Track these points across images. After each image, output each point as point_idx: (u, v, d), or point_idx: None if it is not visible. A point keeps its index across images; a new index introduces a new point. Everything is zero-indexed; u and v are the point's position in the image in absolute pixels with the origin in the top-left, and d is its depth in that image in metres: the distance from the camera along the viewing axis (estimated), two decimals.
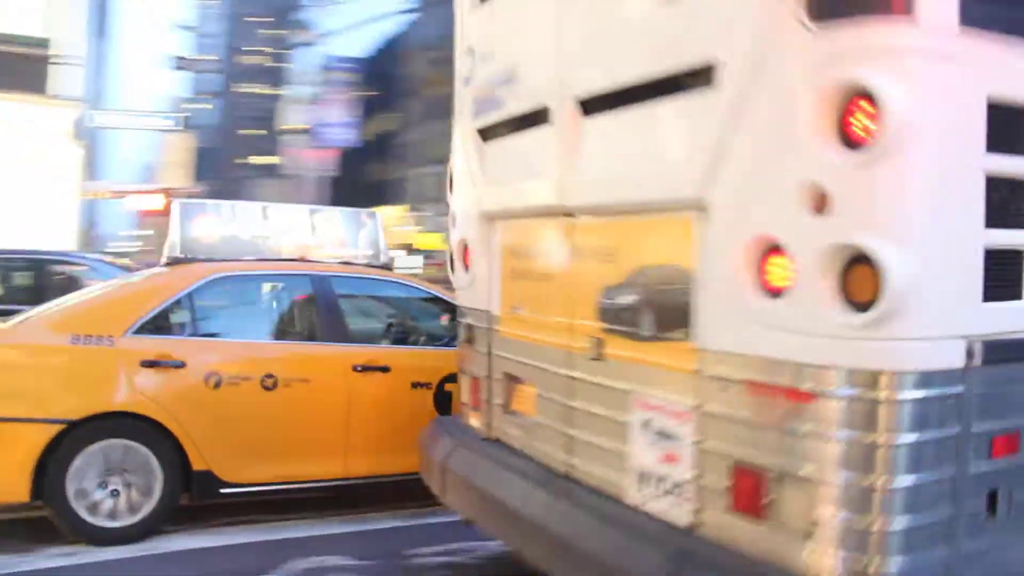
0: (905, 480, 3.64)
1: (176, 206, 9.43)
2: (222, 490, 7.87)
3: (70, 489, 7.41)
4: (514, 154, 5.90)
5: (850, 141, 3.59)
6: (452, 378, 8.38)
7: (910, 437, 3.63)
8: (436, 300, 9.20)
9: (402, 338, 9.07)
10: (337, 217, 10.16)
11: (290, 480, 8.09)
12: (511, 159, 5.95)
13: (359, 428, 8.30)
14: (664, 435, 4.58)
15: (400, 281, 9.37)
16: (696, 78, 4.23)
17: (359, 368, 8.36)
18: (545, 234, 5.54)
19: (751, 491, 4.06)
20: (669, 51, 4.41)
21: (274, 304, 9.13)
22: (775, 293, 3.90)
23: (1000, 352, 3.75)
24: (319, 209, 10.21)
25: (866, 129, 3.55)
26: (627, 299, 4.79)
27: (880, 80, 3.51)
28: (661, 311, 4.55)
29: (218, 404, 7.86)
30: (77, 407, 7.44)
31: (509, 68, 5.84)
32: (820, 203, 3.68)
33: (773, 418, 3.93)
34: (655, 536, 4.43)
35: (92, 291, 8.70)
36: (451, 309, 8.70)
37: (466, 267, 6.59)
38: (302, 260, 9.38)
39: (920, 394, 3.62)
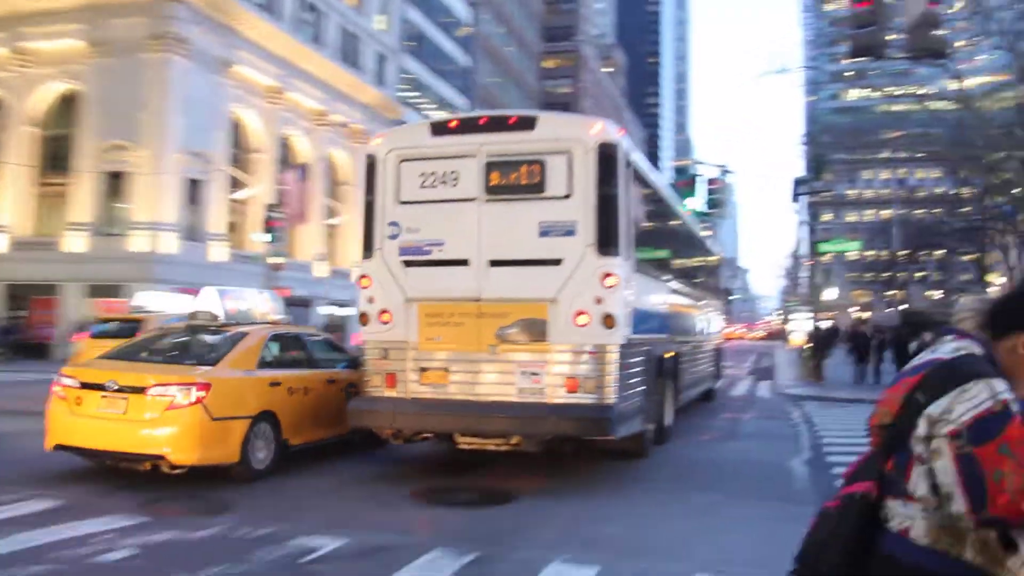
0: (616, 372, 13.43)
1: (211, 291, 17.99)
2: (290, 449, 14.58)
3: (250, 449, 13.65)
4: (438, 275, 13.81)
5: (605, 285, 13.51)
6: (351, 384, 15.68)
7: (617, 360, 13.52)
8: (329, 342, 16.84)
9: (330, 364, 16.09)
10: (266, 294, 18.69)
11: (313, 440, 15.07)
12: (434, 277, 13.83)
13: (330, 411, 15.27)
14: (532, 373, 13.68)
15: (318, 333, 16.96)
16: (554, 262, 13.69)
17: (329, 381, 15.66)
18: (461, 308, 13.92)
19: (574, 384, 13.51)
20: (543, 251, 13.63)
21: (285, 348, 15.50)
22: (582, 326, 13.65)
23: (629, 341, 14.00)
24: (255, 290, 18.88)
25: (611, 281, 13.54)
26: (513, 330, 13.81)
27: (615, 271, 13.57)
28: (532, 334, 13.80)
29: (289, 403, 14.50)
30: (254, 408, 13.70)
31: (437, 239, 13.85)
32: (599, 301, 13.49)
33: (584, 358, 13.46)
34: (537, 405, 13.53)
35: (222, 339, 14.69)
36: (339, 348, 16.94)
37: (384, 323, 14.18)
38: (274, 324, 16.51)
39: (619, 349, 13.61)
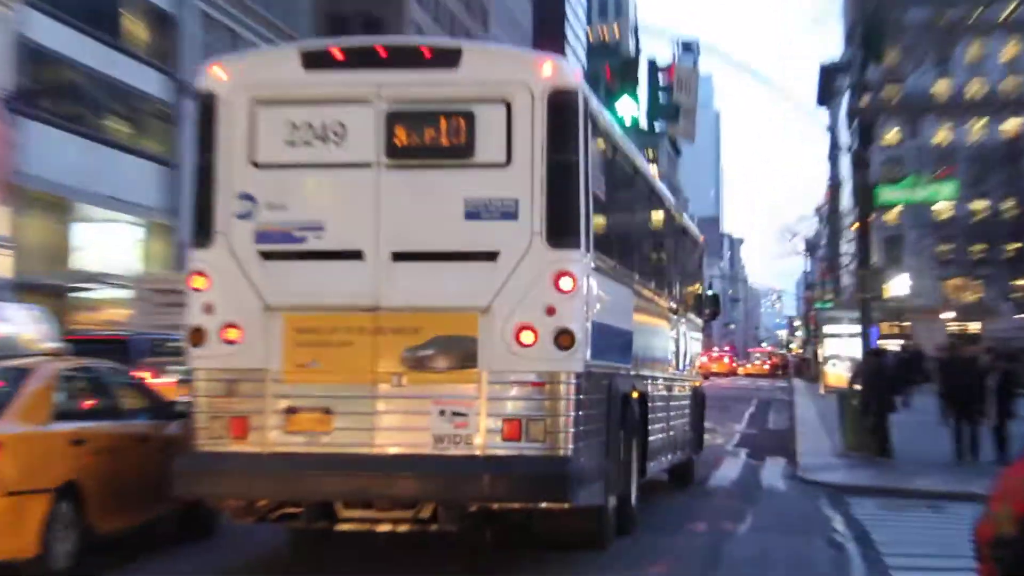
0: (574, 411, 10.00)
1: None
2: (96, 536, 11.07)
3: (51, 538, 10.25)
4: (315, 273, 10.28)
5: (560, 288, 10.00)
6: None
7: (575, 395, 10.06)
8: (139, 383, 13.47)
9: (139, 414, 12.60)
10: (35, 311, 13.62)
11: (127, 525, 11.85)
12: (309, 276, 10.27)
13: (147, 481, 11.71)
14: (456, 414, 10.02)
15: (120, 368, 13.40)
16: (487, 256, 10.10)
17: (141, 438, 12.20)
18: (350, 320, 10.15)
19: (515, 428, 9.96)
20: (471, 240, 10.11)
21: (81, 391, 12.01)
22: (527, 345, 9.97)
23: (589, 369, 10.41)
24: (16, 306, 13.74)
25: (567, 283, 10.03)
26: (427, 353, 10.10)
27: (574, 268, 10.10)
28: (455, 358, 10.05)
29: (96, 470, 11.07)
30: (56, 477, 10.42)
31: (313, 220, 10.32)
32: (551, 311, 9.97)
33: (529, 391, 9.99)
34: (464, 459, 9.94)
35: None
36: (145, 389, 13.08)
37: (229, 342, 10.28)
38: (55, 354, 12.16)
39: (577, 379, 10.11)
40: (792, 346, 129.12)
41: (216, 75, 10.71)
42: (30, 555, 9.99)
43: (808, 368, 72.87)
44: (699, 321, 20.99)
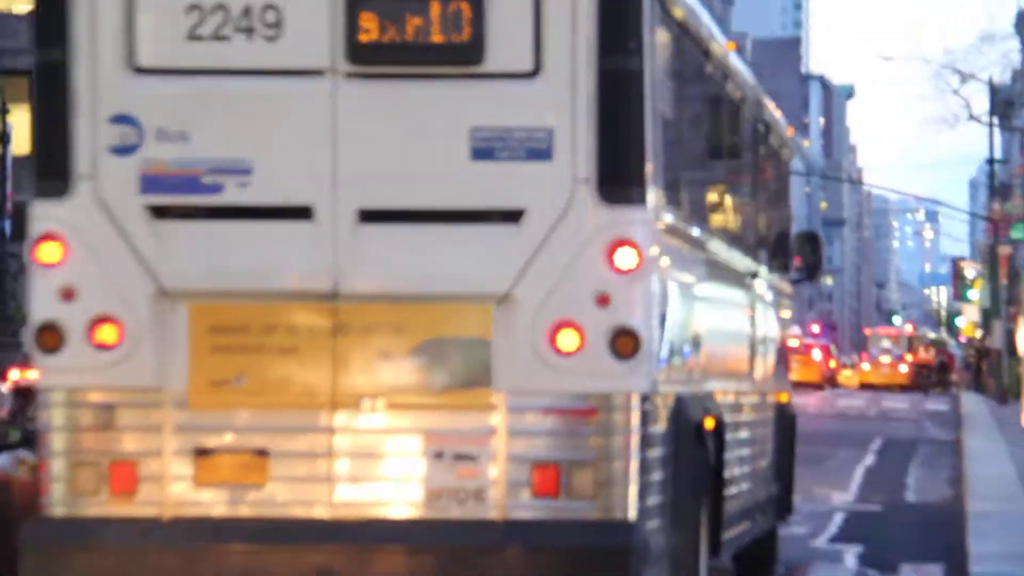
0: (638, 453, 7.10)
1: None
2: None
3: None
4: (236, 239, 7.26)
5: (618, 266, 6.91)
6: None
7: (639, 428, 7.11)
8: None
9: None
10: None
11: None
12: (227, 243, 7.27)
13: None
14: (460, 457, 7.00)
15: None
16: (507, 216, 7.09)
17: None
18: (294, 312, 7.22)
19: (552, 478, 7.00)
20: (480, 191, 7.07)
21: None
22: (568, 353, 6.95)
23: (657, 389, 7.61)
24: None
25: (628, 259, 6.94)
26: (415, 363, 7.04)
27: (638, 236, 6.95)
28: (457, 371, 6.97)
29: None
30: None
31: (233, 158, 7.20)
32: (603, 300, 6.96)
33: (574, 423, 6.94)
34: (476, 524, 7.01)
35: None
36: None
37: (102, 346, 7.28)
38: None
39: (643, 404, 7.20)
40: (959, 325, 79.38)
41: None
42: None
43: (994, 372, 44.86)
44: (787, 287, 14.82)
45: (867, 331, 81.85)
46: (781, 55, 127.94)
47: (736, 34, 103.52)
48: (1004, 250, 49.72)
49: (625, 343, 7.04)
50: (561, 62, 7.15)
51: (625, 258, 7.10)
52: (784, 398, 14.00)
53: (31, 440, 9.14)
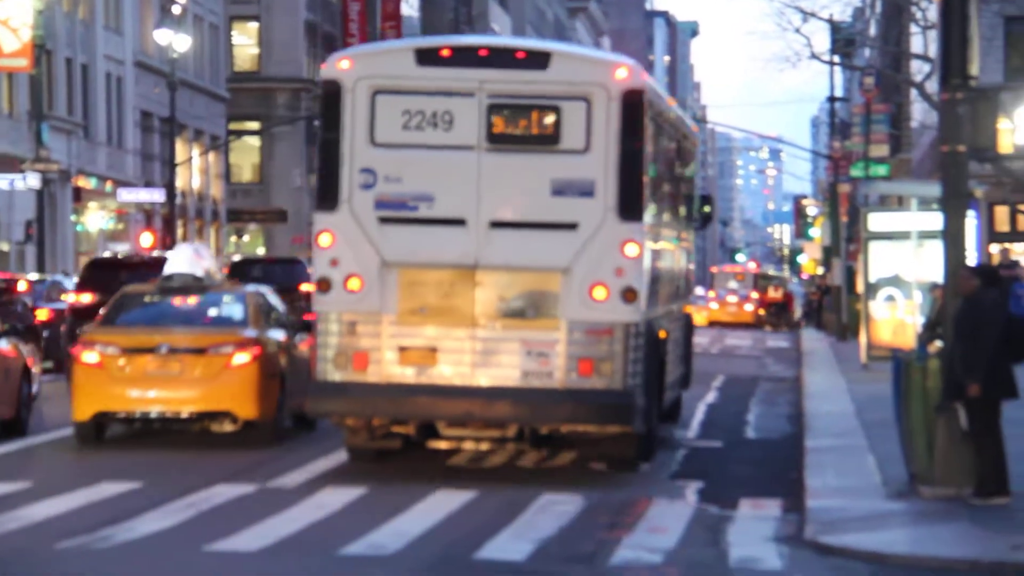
0: (634, 354, 12.90)
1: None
2: None
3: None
4: (425, 236, 12.91)
5: (627, 255, 12.84)
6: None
7: (635, 340, 12.89)
8: None
9: None
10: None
11: None
12: (420, 238, 12.90)
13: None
14: (540, 354, 12.60)
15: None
16: (569, 226, 12.67)
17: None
18: (452, 276, 12.80)
19: (589, 366, 12.51)
20: (556, 213, 12.69)
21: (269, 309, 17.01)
22: (599, 300, 12.50)
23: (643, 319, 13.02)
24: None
25: (633, 250, 12.74)
26: (517, 303, 12.66)
27: (638, 238, 12.97)
28: (540, 308, 12.59)
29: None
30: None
31: (425, 192, 12.84)
32: (619, 272, 12.67)
33: (601, 337, 12.60)
34: (549, 390, 12.62)
35: None
36: None
37: (351, 292, 12.91)
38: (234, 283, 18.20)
39: (636, 328, 12.83)
40: (801, 262, 76.99)
41: (341, 66, 13.10)
42: (270, 418, 15.20)
43: (834, 309, 43.16)
44: (691, 235, 19.83)
45: (713, 269, 79.90)
46: None
47: None
48: (844, 188, 50.71)
49: (630, 295, 12.64)
50: (599, 145, 12.69)
51: (631, 250, 12.76)
52: (688, 308, 19.88)
53: None
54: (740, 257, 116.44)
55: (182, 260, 16.43)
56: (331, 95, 12.95)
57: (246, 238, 61.51)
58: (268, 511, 11.17)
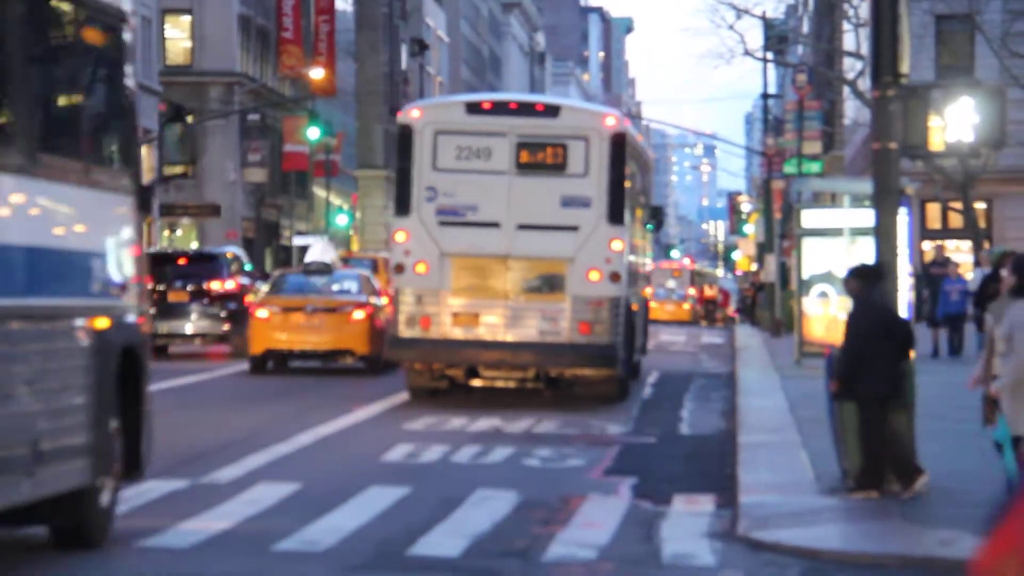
0: (617, 319, 18.30)
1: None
2: None
3: None
4: (471, 235, 18.01)
5: (613, 249, 18.31)
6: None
7: (618, 309, 18.38)
8: None
9: None
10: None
11: None
12: (468, 236, 17.97)
13: None
14: (552, 319, 17.93)
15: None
16: (572, 228, 17.97)
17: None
18: (490, 263, 17.99)
19: (588, 327, 17.82)
20: (564, 219, 17.96)
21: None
22: (594, 281, 17.83)
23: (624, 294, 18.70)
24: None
25: (617, 246, 18.30)
26: (536, 282, 18.01)
27: (622, 237, 18.63)
28: (552, 286, 17.94)
29: None
30: None
31: (471, 203, 17.98)
32: (608, 261, 18.27)
33: (595, 307, 17.89)
34: (558, 344, 18.01)
35: None
36: None
37: (419, 273, 17.95)
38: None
39: (619, 300, 18.47)
40: (735, 258, 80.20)
41: (413, 115, 18.45)
42: (378, 355, 22.37)
43: (768, 305, 42.25)
44: (649, 236, 26.77)
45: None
46: None
47: None
48: (778, 184, 49.78)
49: (616, 277, 17.76)
50: (595, 171, 17.76)
51: (616, 245, 17.92)
52: (645, 292, 26.01)
53: None
54: (675, 253, 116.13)
55: (317, 251, 24.67)
56: (405, 136, 18.28)
57: (179, 232, 60.95)
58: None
